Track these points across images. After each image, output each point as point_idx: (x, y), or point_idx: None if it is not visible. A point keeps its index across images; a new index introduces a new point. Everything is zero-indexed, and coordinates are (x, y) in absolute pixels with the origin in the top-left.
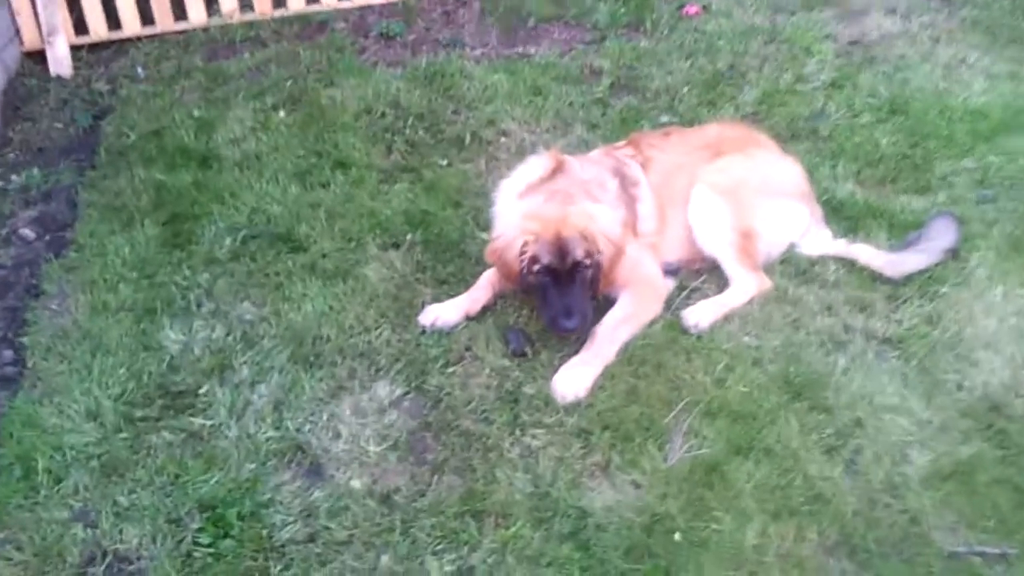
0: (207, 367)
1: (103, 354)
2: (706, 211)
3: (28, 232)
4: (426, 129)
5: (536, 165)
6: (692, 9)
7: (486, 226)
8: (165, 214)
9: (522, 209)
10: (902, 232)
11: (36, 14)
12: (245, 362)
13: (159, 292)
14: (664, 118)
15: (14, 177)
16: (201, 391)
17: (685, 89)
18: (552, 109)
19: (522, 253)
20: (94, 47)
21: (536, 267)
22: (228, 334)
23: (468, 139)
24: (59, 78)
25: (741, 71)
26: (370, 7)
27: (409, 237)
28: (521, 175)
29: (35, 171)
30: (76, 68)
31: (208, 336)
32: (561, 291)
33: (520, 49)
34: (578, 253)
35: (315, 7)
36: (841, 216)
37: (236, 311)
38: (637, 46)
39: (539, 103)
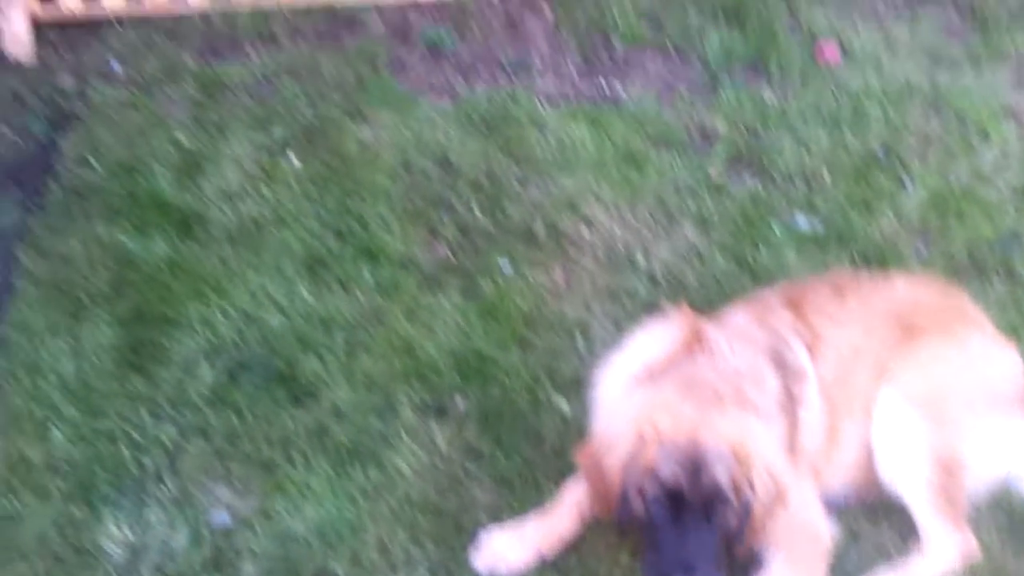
0: None
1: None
2: (897, 431)
3: None
4: (484, 206)
5: (660, 335)
6: (828, 51)
7: (564, 386)
8: (127, 307)
9: (643, 397)
10: None
11: None
12: None
13: (103, 450)
14: (801, 219)
15: None
16: None
17: (827, 175)
18: (651, 191)
19: (632, 461)
20: (63, 26)
21: (650, 487)
22: (194, 543)
23: (541, 230)
24: (16, 64)
25: (899, 154)
26: (415, 5)
27: (459, 401)
28: (638, 349)
29: None
30: (38, 53)
31: (163, 543)
32: (682, 532)
33: (605, 83)
34: (720, 475)
35: None
36: None
37: (208, 500)
38: (760, 100)
39: (634, 179)
